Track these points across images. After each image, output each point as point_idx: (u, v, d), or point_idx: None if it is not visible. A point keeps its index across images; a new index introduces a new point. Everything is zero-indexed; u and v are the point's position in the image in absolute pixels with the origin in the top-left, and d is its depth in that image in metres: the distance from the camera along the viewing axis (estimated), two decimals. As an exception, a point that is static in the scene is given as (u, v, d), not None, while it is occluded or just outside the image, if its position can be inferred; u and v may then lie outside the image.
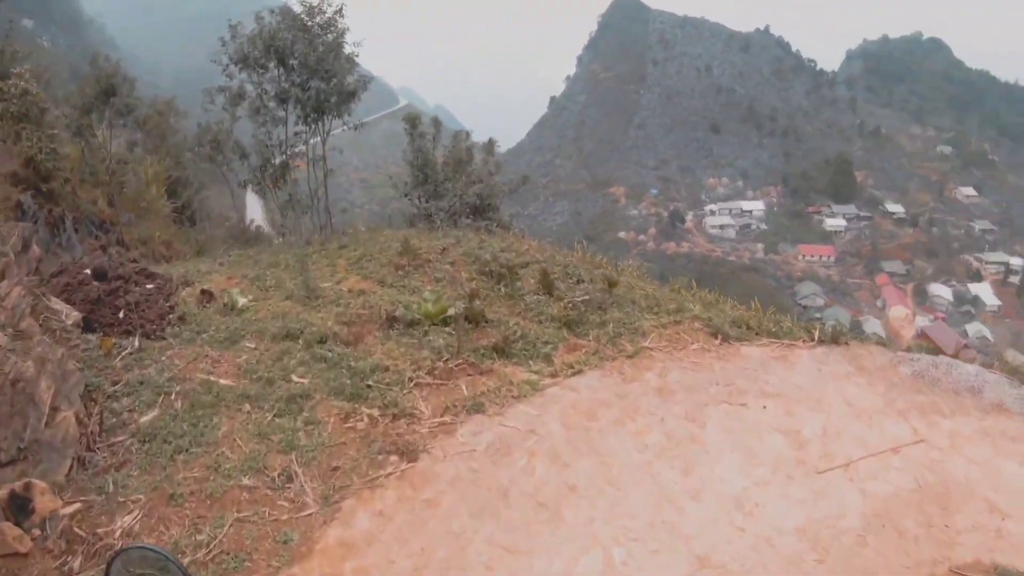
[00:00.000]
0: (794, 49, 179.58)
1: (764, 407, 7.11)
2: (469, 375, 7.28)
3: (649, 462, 6.09)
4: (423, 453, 5.98)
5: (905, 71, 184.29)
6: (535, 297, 9.35)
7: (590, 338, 8.26)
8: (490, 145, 18.72)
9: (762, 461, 6.28)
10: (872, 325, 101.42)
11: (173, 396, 6.71)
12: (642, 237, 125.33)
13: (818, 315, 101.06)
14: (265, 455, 5.88)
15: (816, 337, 8.69)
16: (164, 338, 8.00)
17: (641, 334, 8.35)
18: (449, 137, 18.37)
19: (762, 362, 8.00)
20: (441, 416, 6.55)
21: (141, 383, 6.85)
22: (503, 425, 6.41)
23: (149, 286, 9.75)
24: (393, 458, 5.90)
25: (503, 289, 9.53)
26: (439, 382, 7.18)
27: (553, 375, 7.38)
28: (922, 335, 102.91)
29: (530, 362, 7.68)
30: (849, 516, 5.70)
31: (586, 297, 9.05)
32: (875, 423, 7.10)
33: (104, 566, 2.99)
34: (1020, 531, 5.64)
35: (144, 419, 6.31)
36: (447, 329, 8.24)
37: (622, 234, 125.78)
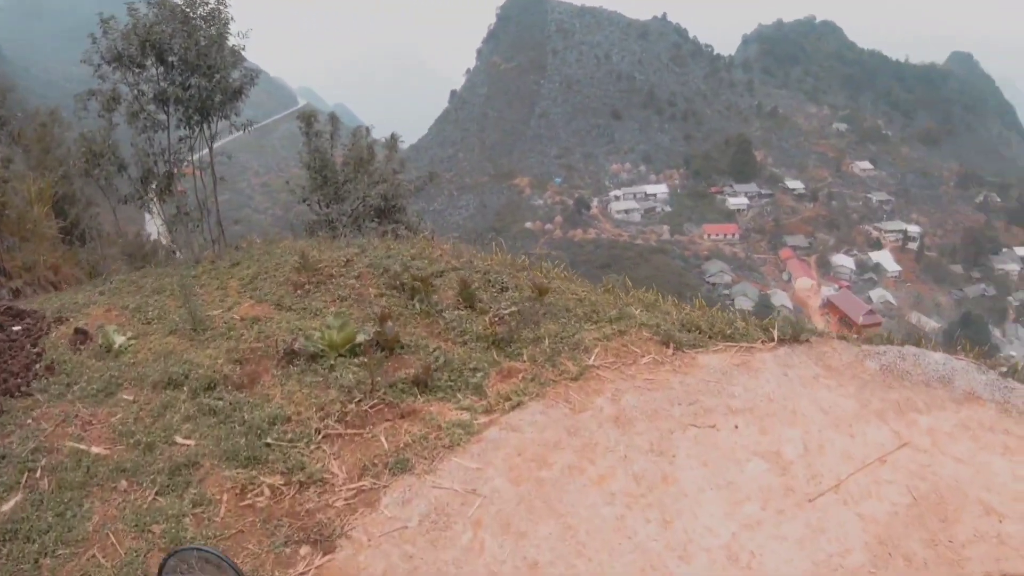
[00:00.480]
0: (691, 35, 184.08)
1: (736, 427, 6.20)
2: (388, 420, 6.01)
3: (620, 516, 5.03)
4: (341, 538, 4.73)
5: (800, 53, 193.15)
6: (455, 313, 8.03)
7: (525, 359, 7.07)
8: (392, 141, 17.28)
9: (747, 495, 5.36)
10: (780, 298, 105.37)
11: (39, 473, 5.44)
12: (549, 226, 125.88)
13: (727, 291, 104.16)
14: (146, 555, 4.63)
15: (775, 336, 7.85)
16: (31, 394, 6.61)
17: (583, 350, 7.24)
18: (349, 135, 16.90)
19: (723, 372, 7.09)
20: (359, 480, 5.30)
21: (2, 458, 5.60)
22: (437, 487, 5.20)
23: (16, 328, 8.24)
24: (304, 549, 4.64)
25: (418, 305, 8.22)
26: (353, 431, 5.91)
27: (488, 411, 6.17)
28: (828, 304, 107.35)
29: (459, 395, 6.45)
30: (854, 550, 4.92)
31: (514, 308, 7.90)
32: (855, 430, 6.35)
33: (159, 567, 2.91)
34: (1018, 531, 5.10)
35: (5, 507, 5.07)
36: (357, 360, 6.93)
37: (529, 224, 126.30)
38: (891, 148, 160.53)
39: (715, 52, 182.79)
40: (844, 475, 5.69)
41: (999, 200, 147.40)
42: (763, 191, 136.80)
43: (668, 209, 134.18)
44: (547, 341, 7.37)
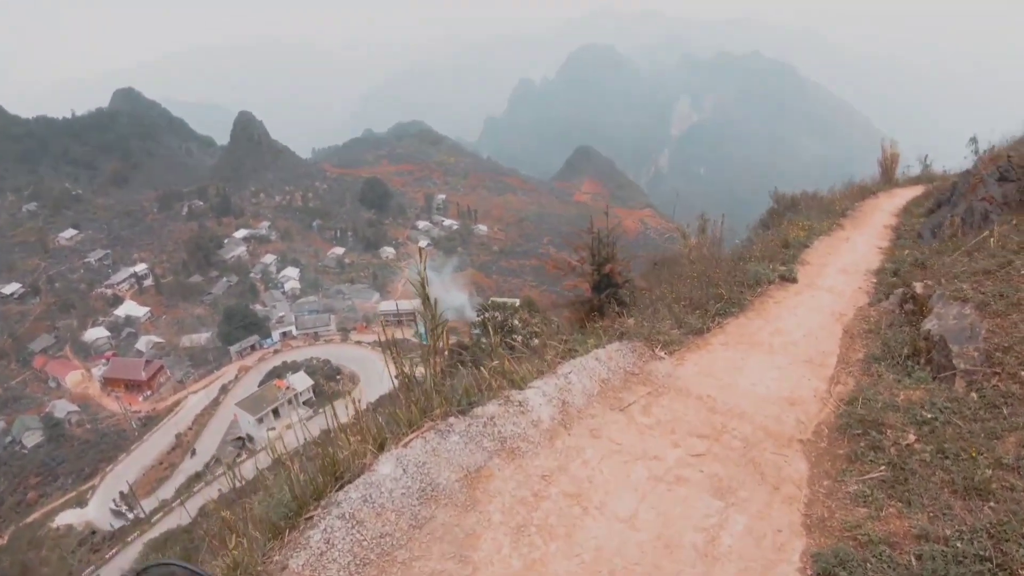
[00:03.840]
0: None
1: None
2: None
3: None
4: None
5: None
6: None
7: None
8: None
9: None
10: (62, 407, 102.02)
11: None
12: None
13: (9, 441, 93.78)
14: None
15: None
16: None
17: None
18: None
19: None
20: None
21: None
22: None
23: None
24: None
25: None
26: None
27: None
28: (108, 381, 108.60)
29: None
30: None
31: None
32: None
33: None
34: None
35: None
36: None
37: None
38: (88, 205, 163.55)
39: None
40: None
41: (201, 203, 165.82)
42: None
43: None
44: None
